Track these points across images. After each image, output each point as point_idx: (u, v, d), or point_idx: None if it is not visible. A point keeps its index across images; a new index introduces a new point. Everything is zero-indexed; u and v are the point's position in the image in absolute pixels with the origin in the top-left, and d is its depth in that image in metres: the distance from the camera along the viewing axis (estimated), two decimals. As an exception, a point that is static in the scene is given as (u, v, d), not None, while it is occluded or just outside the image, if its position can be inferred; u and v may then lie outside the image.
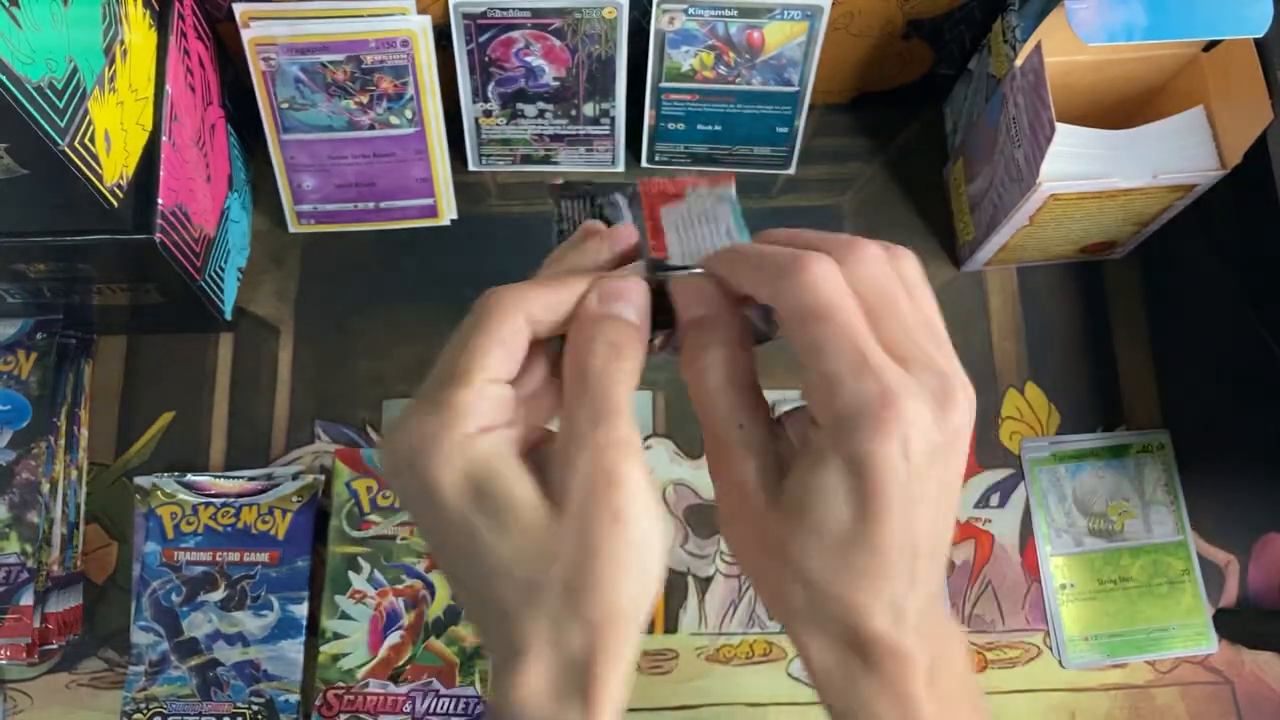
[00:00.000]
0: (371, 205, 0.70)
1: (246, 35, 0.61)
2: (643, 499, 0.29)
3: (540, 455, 0.31)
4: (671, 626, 0.64)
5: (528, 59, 0.64)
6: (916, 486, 0.28)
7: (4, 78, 0.42)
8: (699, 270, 0.33)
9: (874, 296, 0.29)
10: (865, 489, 0.28)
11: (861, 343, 0.28)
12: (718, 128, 0.69)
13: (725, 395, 0.31)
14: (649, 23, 0.62)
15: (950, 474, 0.29)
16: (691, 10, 0.61)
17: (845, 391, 0.28)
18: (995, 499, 0.67)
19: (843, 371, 0.28)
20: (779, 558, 0.30)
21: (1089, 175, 0.58)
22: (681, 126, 0.69)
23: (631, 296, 0.32)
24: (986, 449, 0.68)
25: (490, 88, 0.66)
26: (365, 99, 0.64)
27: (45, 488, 0.61)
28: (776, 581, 0.30)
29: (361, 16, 0.60)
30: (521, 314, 0.31)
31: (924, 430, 0.28)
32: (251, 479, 0.64)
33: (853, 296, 0.29)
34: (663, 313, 0.33)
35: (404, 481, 0.30)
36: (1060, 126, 0.56)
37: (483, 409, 0.30)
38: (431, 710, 0.61)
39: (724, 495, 0.32)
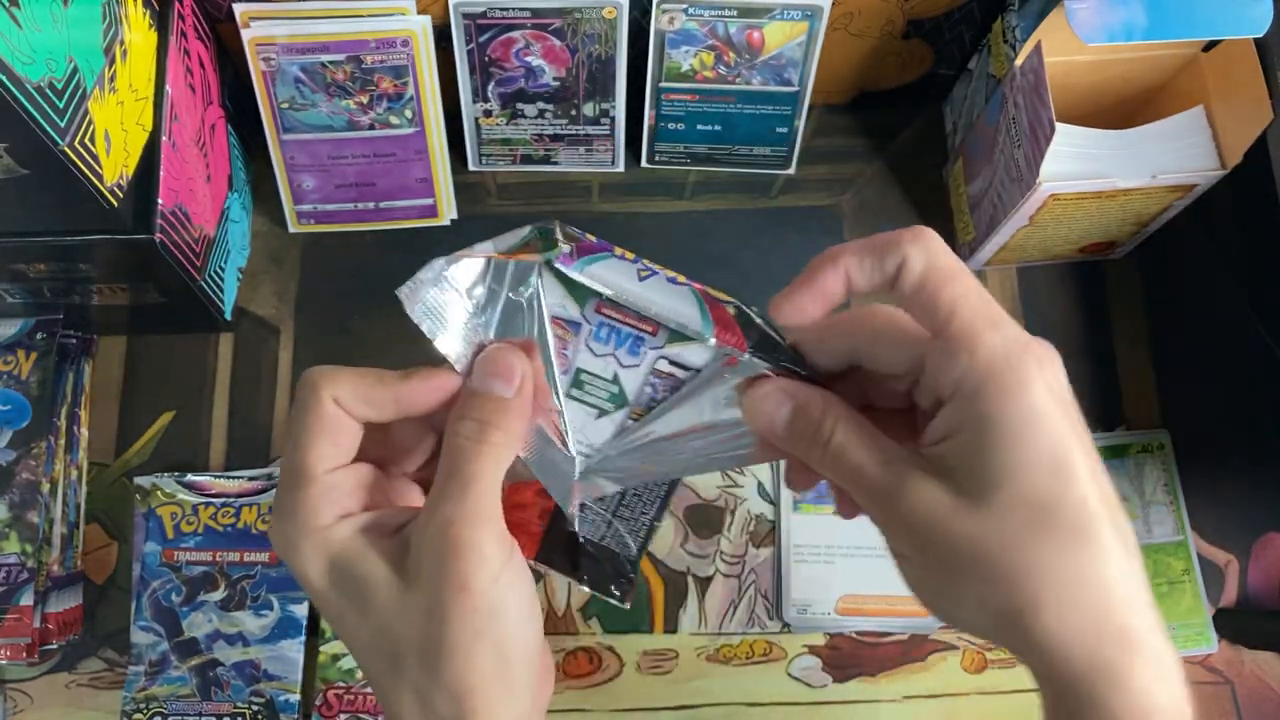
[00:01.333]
0: (371, 205, 0.70)
1: (246, 35, 0.61)
2: (490, 568, 0.29)
3: (407, 531, 0.31)
4: (671, 626, 0.64)
5: (528, 59, 0.64)
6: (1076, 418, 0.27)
7: (4, 78, 0.42)
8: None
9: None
10: (1048, 429, 0.27)
11: (986, 298, 0.29)
12: (717, 128, 0.69)
13: (868, 451, 0.30)
14: (649, 23, 0.62)
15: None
16: (691, 10, 0.61)
17: (987, 342, 0.27)
18: (995, 499, 0.67)
19: (979, 325, 0.28)
20: (999, 565, 0.27)
21: (1089, 175, 0.58)
22: (681, 126, 0.69)
23: (503, 371, 0.32)
24: (986, 449, 0.68)
25: (490, 88, 0.66)
26: (365, 99, 0.64)
27: (45, 488, 0.61)
28: (1006, 595, 0.27)
29: (361, 16, 0.60)
30: (329, 400, 0.32)
31: (1060, 373, 0.28)
32: (251, 479, 0.64)
33: None
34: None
35: (290, 569, 0.32)
36: (1060, 126, 0.56)
37: (331, 500, 0.31)
38: (431, 710, 0.61)
39: (909, 537, 0.29)
